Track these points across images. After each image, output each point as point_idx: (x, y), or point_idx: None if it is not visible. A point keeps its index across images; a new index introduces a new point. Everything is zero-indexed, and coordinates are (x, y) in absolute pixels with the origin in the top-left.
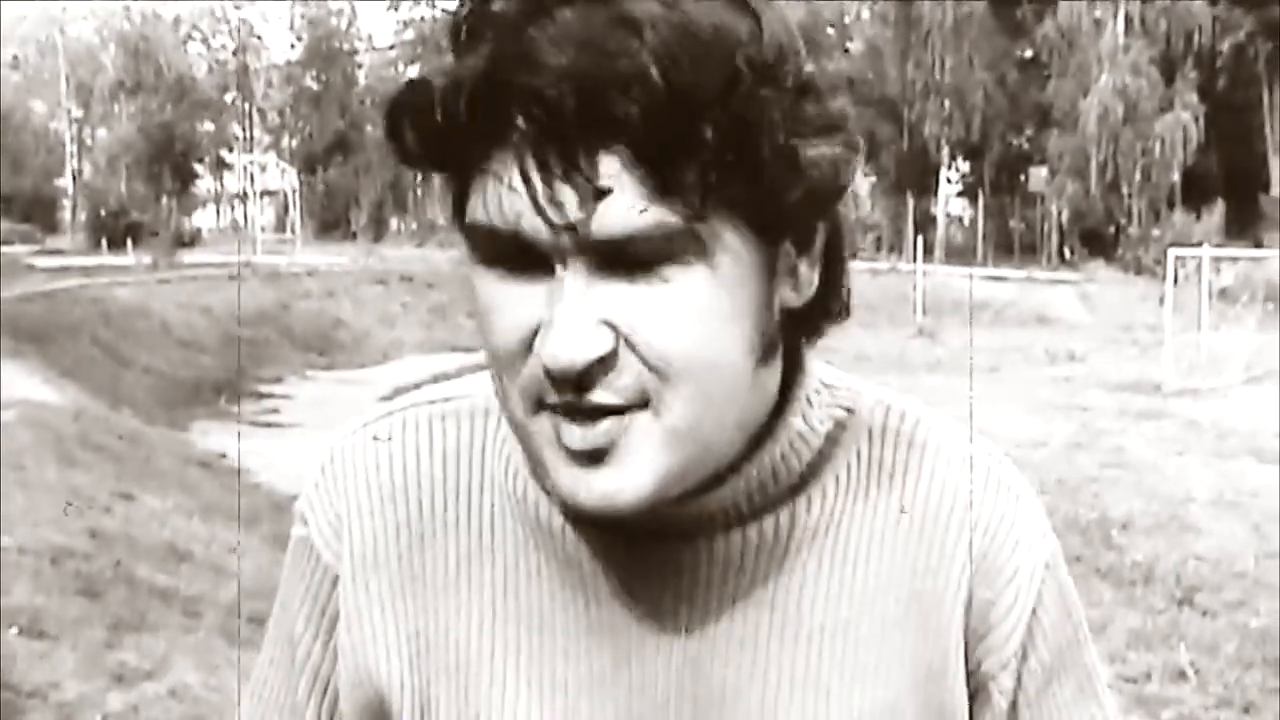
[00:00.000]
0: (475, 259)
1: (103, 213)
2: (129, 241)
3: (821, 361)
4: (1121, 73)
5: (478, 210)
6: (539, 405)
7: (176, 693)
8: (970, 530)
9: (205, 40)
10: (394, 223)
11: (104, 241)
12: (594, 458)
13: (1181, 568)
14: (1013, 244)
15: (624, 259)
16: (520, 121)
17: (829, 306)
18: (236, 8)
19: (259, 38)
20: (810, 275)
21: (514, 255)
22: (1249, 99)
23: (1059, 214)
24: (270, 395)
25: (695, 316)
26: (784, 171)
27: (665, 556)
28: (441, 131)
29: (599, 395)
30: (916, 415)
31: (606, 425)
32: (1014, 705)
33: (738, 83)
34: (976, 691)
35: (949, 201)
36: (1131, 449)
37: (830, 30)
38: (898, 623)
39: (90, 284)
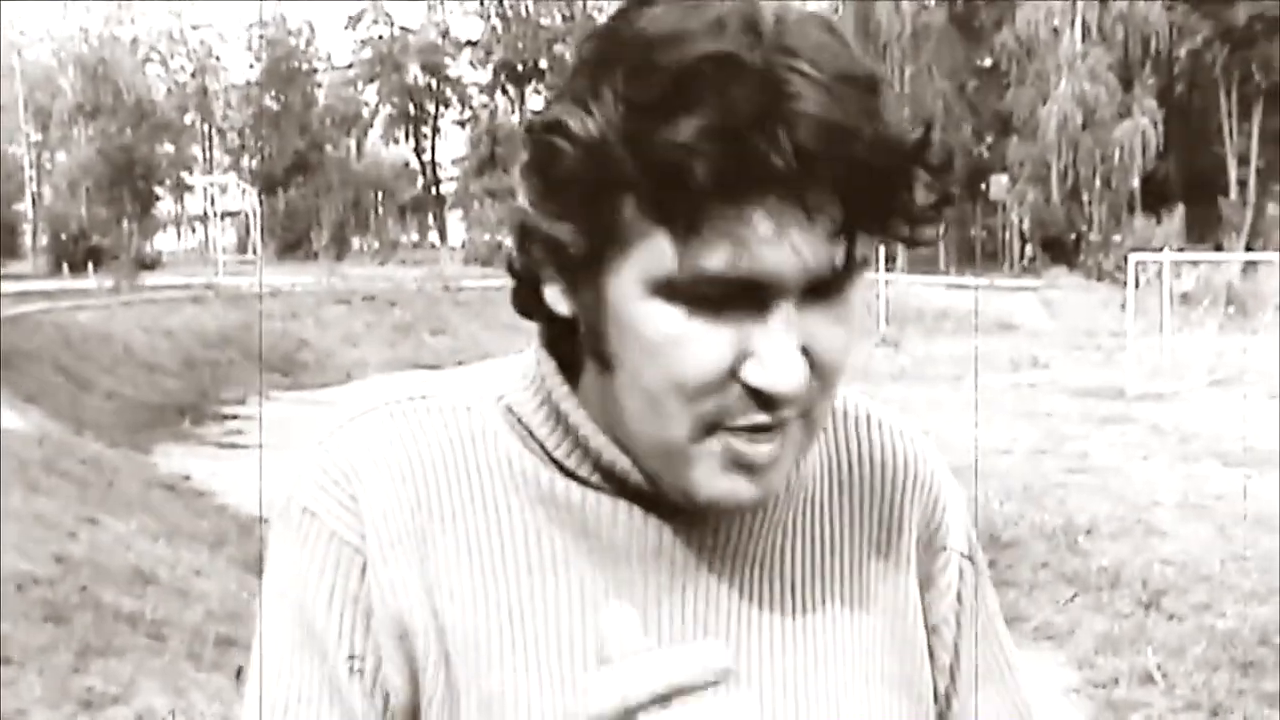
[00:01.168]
0: (658, 293)
1: (63, 237)
2: (90, 265)
3: None
4: (1080, 80)
5: (703, 258)
6: (712, 428)
7: (144, 717)
8: (915, 490)
9: (164, 62)
10: (356, 242)
11: (65, 265)
12: (760, 468)
13: (1147, 571)
14: (974, 252)
15: (824, 289)
16: (779, 170)
17: None
18: (194, 29)
19: (217, 59)
20: None
21: (719, 293)
22: (1207, 104)
23: (1020, 221)
24: (234, 416)
25: (854, 328)
26: (948, 204)
27: (674, 523)
28: (699, 176)
29: (787, 412)
30: (847, 395)
31: (779, 440)
32: (955, 642)
33: (929, 137)
34: (929, 634)
35: None
36: (1096, 454)
37: None
38: (865, 571)
39: (52, 308)
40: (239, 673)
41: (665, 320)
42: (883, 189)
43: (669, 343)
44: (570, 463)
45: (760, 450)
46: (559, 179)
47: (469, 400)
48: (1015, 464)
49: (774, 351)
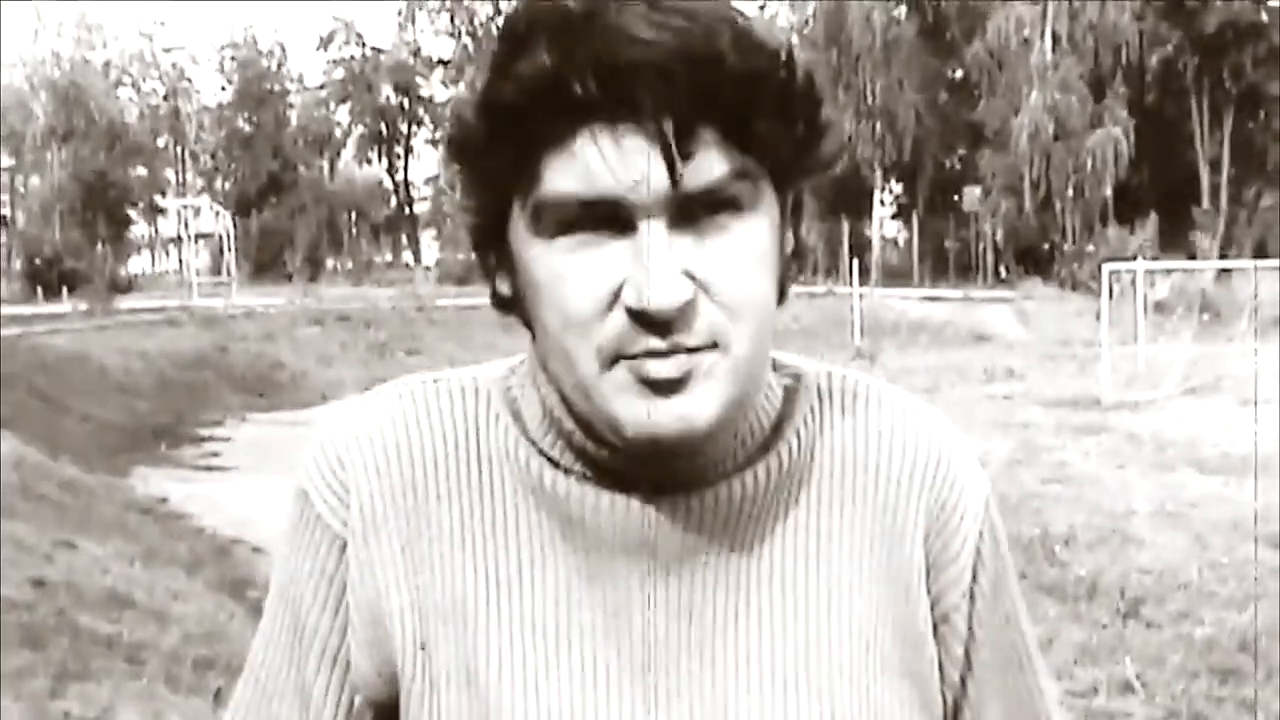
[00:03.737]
0: (539, 234)
1: (37, 261)
2: (64, 289)
3: None
4: (1051, 90)
5: (561, 182)
6: (613, 360)
7: None
8: (924, 471)
9: (136, 85)
10: (329, 262)
11: (39, 289)
12: (672, 387)
13: (1125, 581)
14: (948, 264)
15: (696, 213)
16: (631, 93)
17: (796, 264)
18: (166, 51)
19: (189, 81)
20: (790, 238)
21: (590, 220)
22: (1178, 112)
23: (993, 233)
24: (210, 438)
25: (754, 260)
26: (816, 132)
27: (658, 511)
28: (532, 112)
29: (680, 337)
30: (855, 378)
31: (684, 358)
32: (970, 630)
33: (783, 63)
34: (939, 622)
35: (883, 223)
36: (1072, 464)
37: None
38: (866, 556)
39: (26, 333)
40: (217, 695)
41: (548, 257)
42: (717, 103)
43: (555, 279)
44: (555, 452)
45: (665, 366)
46: (459, 155)
47: (481, 384)
48: (991, 475)
49: (644, 270)
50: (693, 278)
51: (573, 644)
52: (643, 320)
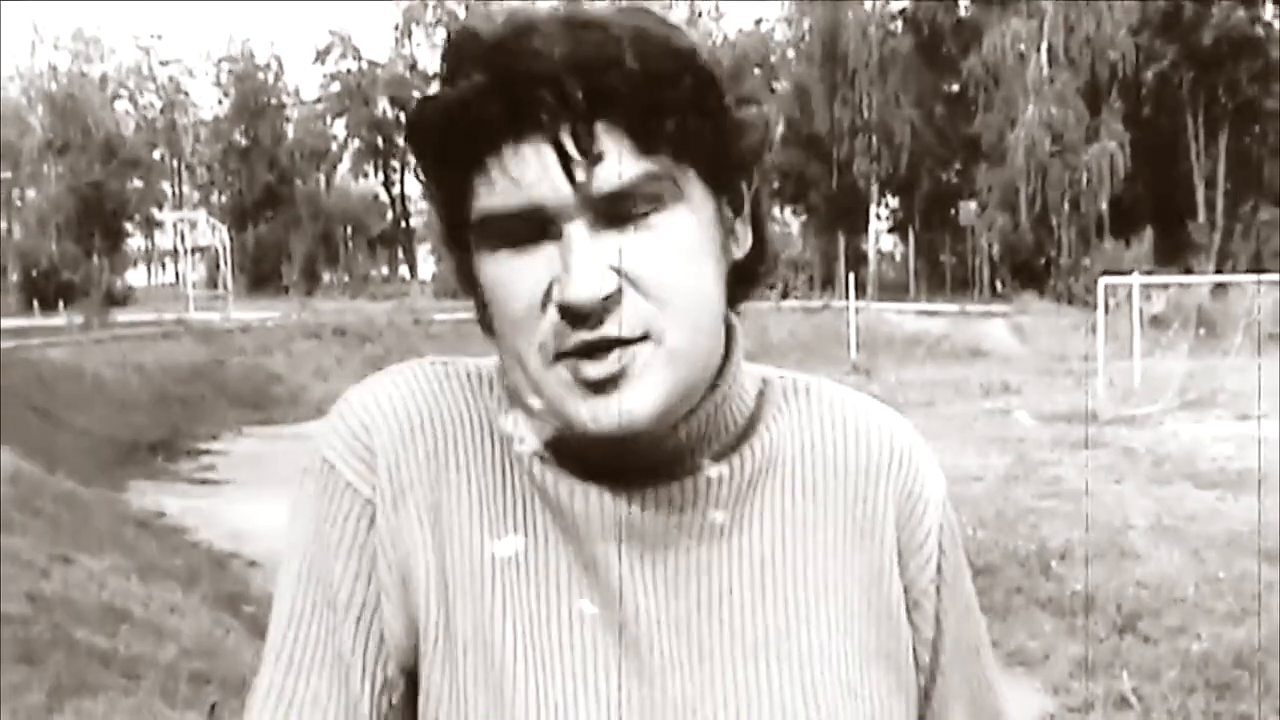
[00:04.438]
0: (482, 247)
1: (34, 273)
2: (61, 302)
3: None
4: (1047, 104)
5: (489, 199)
6: (555, 357)
7: None
8: (890, 463)
9: (132, 98)
10: (326, 276)
11: (35, 302)
12: (609, 385)
13: (1121, 595)
14: (944, 278)
15: (619, 212)
16: (530, 107)
17: (761, 261)
18: (163, 65)
19: (186, 94)
20: (745, 232)
21: (522, 229)
22: (1174, 127)
23: (990, 247)
24: (206, 452)
25: (681, 253)
26: (730, 127)
27: (638, 501)
28: (448, 139)
29: (610, 329)
30: (817, 381)
31: (617, 354)
32: (936, 617)
33: (686, 63)
34: (910, 609)
35: (880, 238)
36: (1068, 478)
37: (757, 70)
38: (841, 543)
39: (22, 345)
40: (212, 709)
41: (492, 267)
42: (618, 106)
43: (498, 286)
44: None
45: (594, 368)
46: (419, 171)
47: (484, 372)
48: (988, 490)
49: (568, 266)
50: (619, 272)
51: (570, 631)
52: (569, 315)
